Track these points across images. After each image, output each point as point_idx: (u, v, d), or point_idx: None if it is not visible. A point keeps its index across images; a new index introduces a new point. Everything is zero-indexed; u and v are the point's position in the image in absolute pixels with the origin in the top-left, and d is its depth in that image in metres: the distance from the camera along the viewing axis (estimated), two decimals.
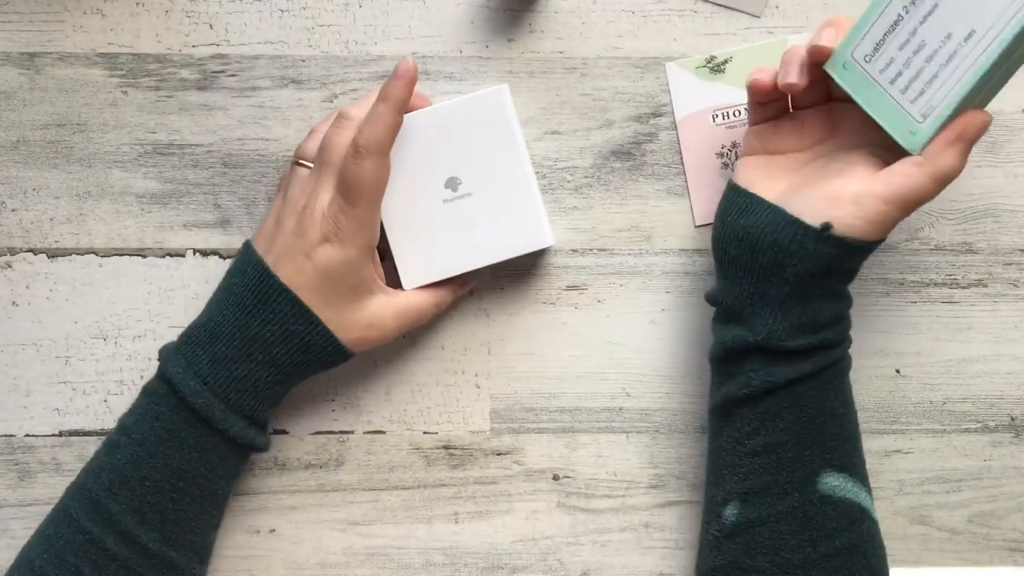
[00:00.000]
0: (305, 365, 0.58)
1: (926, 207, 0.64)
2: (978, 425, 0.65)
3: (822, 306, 0.54)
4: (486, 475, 0.65)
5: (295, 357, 0.57)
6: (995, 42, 0.48)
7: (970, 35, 0.48)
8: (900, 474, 0.65)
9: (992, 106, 0.63)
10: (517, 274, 0.64)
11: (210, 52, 0.63)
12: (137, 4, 0.63)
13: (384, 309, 0.59)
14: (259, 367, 0.56)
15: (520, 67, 0.64)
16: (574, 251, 0.64)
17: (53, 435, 0.64)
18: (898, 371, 0.65)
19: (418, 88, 0.61)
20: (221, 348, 0.56)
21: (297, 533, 0.65)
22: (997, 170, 0.64)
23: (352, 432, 0.65)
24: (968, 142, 0.51)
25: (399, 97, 0.56)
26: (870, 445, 0.65)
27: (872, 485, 0.65)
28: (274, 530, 0.65)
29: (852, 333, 0.64)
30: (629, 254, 0.64)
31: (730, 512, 0.56)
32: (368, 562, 0.65)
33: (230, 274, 0.58)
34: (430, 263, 0.61)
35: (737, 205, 0.56)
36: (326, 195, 0.56)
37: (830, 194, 0.53)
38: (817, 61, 0.54)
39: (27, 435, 0.64)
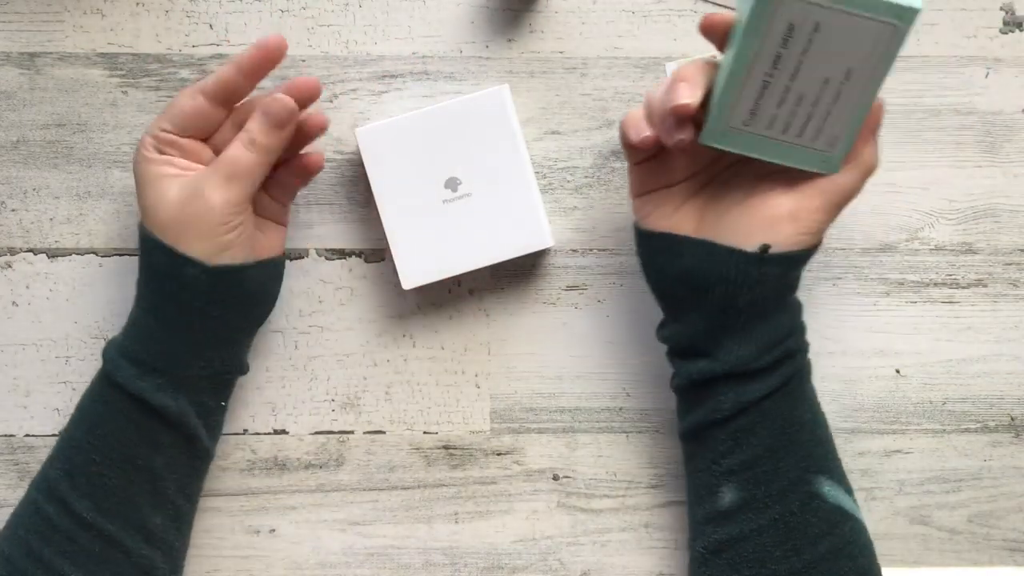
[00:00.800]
0: (170, 297, 0.55)
1: (926, 207, 0.64)
2: (978, 425, 0.65)
3: (779, 320, 0.54)
4: (486, 475, 0.65)
5: (154, 287, 0.55)
6: (877, 74, 0.49)
7: (849, 74, 0.49)
8: (900, 474, 0.65)
9: (992, 106, 0.64)
10: (517, 274, 0.64)
11: (210, 52, 0.63)
12: (137, 4, 0.63)
13: (189, 183, 0.54)
14: (139, 308, 0.56)
15: (520, 67, 0.64)
16: (574, 251, 0.64)
17: (53, 435, 0.64)
18: (898, 371, 0.65)
19: (413, 88, 0.61)
20: None
21: (297, 533, 0.65)
22: (997, 170, 0.64)
23: (352, 432, 0.65)
24: (875, 133, 0.53)
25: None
26: (870, 445, 0.65)
27: (872, 485, 0.65)
28: (274, 530, 0.65)
29: (852, 333, 0.65)
30: (629, 254, 0.64)
31: (713, 529, 0.56)
32: (368, 562, 0.65)
33: None
34: (430, 263, 0.61)
35: (661, 250, 0.55)
36: None
37: (764, 217, 0.53)
38: (684, 117, 0.50)
39: (27, 435, 0.64)
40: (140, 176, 0.55)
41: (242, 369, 0.60)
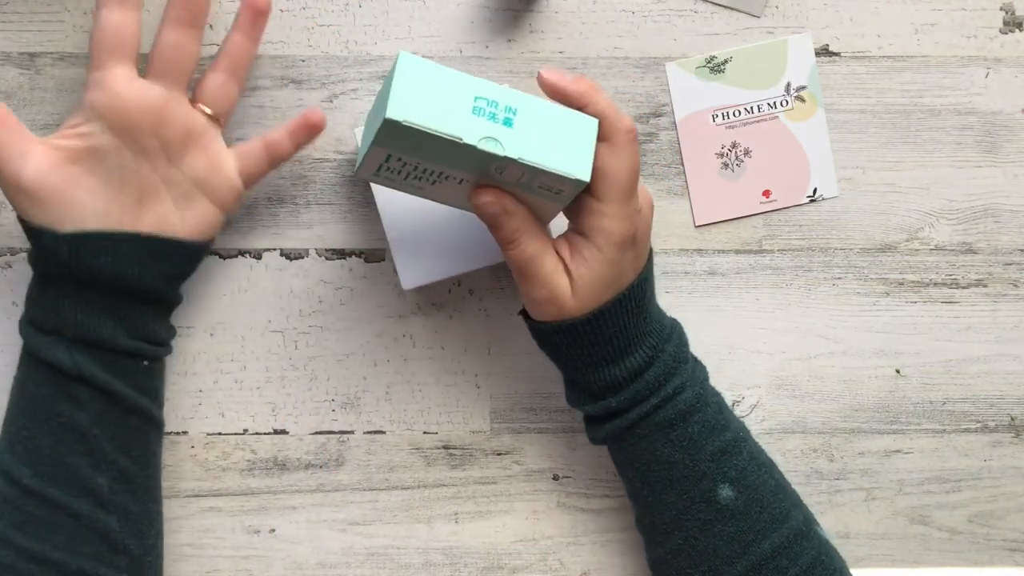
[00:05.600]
0: (38, 264, 0.56)
1: (926, 207, 0.64)
2: (978, 425, 0.65)
3: (587, 374, 0.56)
4: (486, 475, 0.65)
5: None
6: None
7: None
8: (900, 474, 0.65)
9: (992, 106, 0.64)
10: None
11: (210, 52, 0.63)
12: None
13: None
14: (32, 268, 0.57)
15: (520, 67, 0.63)
16: None
17: None
18: (898, 371, 0.65)
19: None
20: None
21: (297, 533, 0.65)
22: (997, 170, 0.64)
23: (352, 432, 0.65)
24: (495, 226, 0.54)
25: None
26: (870, 445, 0.65)
27: (872, 485, 0.65)
28: (274, 530, 0.65)
29: (852, 333, 0.64)
30: None
31: (647, 545, 0.59)
32: (368, 562, 0.65)
33: None
34: (430, 263, 0.61)
35: None
36: None
37: None
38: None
39: None
40: None
41: (151, 340, 0.57)
